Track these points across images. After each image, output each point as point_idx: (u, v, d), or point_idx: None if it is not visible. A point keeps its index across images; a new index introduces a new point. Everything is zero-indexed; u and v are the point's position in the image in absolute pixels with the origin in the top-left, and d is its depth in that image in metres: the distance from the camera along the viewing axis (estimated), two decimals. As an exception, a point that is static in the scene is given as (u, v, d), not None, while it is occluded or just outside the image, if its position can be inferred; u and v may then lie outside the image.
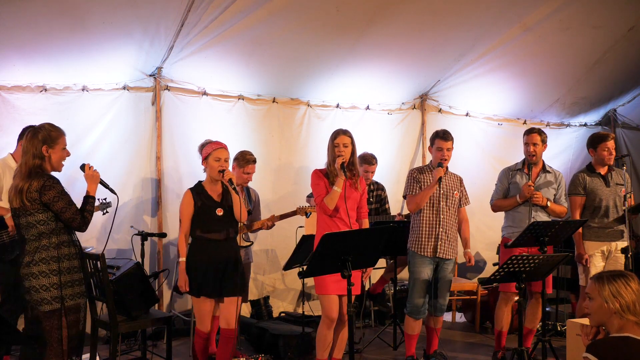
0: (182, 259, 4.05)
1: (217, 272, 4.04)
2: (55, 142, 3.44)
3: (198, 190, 4.15)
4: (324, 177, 4.20)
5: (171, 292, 5.76)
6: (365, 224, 4.34)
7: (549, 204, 4.86)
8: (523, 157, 5.04)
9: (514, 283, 4.59)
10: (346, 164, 4.13)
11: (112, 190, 3.74)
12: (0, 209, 4.47)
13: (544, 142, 4.94)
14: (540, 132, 4.95)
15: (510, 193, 4.98)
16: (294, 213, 5.27)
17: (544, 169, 4.99)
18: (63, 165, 3.55)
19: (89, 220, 3.50)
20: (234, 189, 4.07)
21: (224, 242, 4.10)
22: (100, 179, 3.67)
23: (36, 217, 3.36)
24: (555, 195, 4.95)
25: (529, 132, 4.97)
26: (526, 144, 4.94)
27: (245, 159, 5.10)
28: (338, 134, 4.21)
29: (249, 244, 5.19)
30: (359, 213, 4.29)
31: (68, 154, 3.56)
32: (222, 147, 4.13)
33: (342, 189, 4.09)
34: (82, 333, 3.50)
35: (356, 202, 4.25)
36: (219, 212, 4.10)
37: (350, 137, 4.22)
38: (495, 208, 5.10)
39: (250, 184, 5.39)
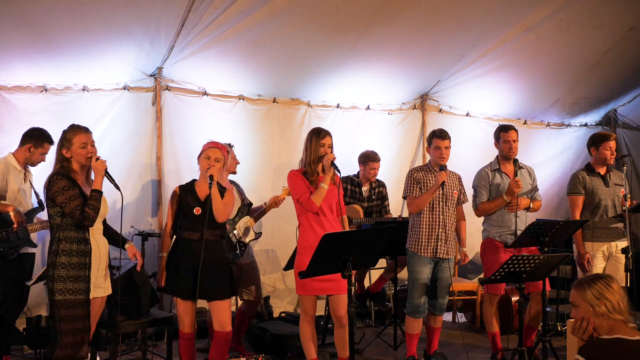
0: (163, 254, 4.07)
1: (190, 273, 3.98)
2: (70, 143, 3.57)
3: (187, 187, 4.14)
4: (302, 176, 4.21)
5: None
6: (345, 220, 4.36)
7: (531, 205, 4.87)
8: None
9: (499, 284, 4.59)
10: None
11: (116, 186, 3.69)
12: (4, 206, 4.47)
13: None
14: (515, 129, 4.94)
15: (491, 195, 4.90)
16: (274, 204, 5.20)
17: (518, 165, 4.97)
18: (89, 159, 3.59)
19: (91, 215, 3.48)
20: (210, 184, 3.95)
21: (198, 243, 4.00)
22: (106, 171, 3.61)
23: (49, 212, 3.56)
24: (531, 190, 4.95)
25: (507, 129, 4.91)
26: (506, 142, 4.87)
27: (229, 145, 5.02)
28: (325, 134, 4.22)
29: (257, 235, 5.18)
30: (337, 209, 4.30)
31: (90, 150, 3.60)
32: (214, 146, 4.12)
33: (329, 186, 4.13)
34: (81, 330, 3.48)
35: (336, 198, 4.27)
36: (197, 211, 4.04)
37: (332, 137, 4.27)
38: (480, 212, 4.96)
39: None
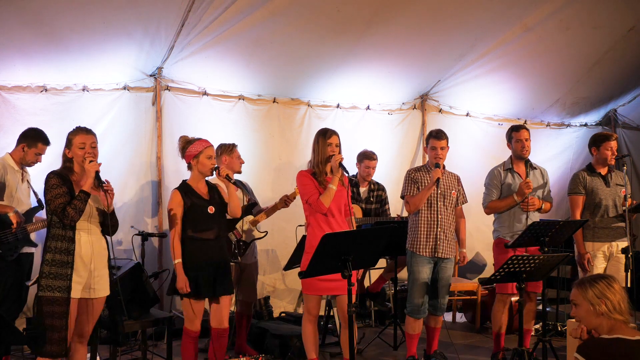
0: (178, 261, 3.98)
1: (210, 273, 4.02)
2: (71, 143, 3.61)
3: (186, 189, 4.11)
4: (311, 176, 4.20)
5: (165, 294, 5.76)
6: (352, 220, 4.36)
7: (543, 206, 4.87)
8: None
9: (510, 284, 4.58)
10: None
11: (104, 190, 3.60)
12: (3, 207, 4.48)
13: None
14: (527, 128, 4.96)
15: (502, 194, 4.90)
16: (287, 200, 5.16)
17: (531, 166, 4.97)
18: (85, 160, 3.55)
19: (71, 214, 3.43)
20: (234, 183, 4.12)
21: (215, 241, 4.07)
22: (97, 173, 3.55)
23: (46, 209, 3.62)
24: (543, 191, 4.95)
25: (519, 129, 4.93)
26: (518, 141, 4.88)
27: (229, 146, 5.01)
28: (332, 133, 4.21)
29: (263, 234, 5.16)
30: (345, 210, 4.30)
31: (88, 152, 3.57)
32: (211, 145, 4.17)
33: (337, 187, 4.12)
34: (59, 328, 3.43)
35: (345, 199, 4.27)
36: (211, 210, 4.07)
37: (339, 136, 4.25)
38: (489, 210, 4.97)
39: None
